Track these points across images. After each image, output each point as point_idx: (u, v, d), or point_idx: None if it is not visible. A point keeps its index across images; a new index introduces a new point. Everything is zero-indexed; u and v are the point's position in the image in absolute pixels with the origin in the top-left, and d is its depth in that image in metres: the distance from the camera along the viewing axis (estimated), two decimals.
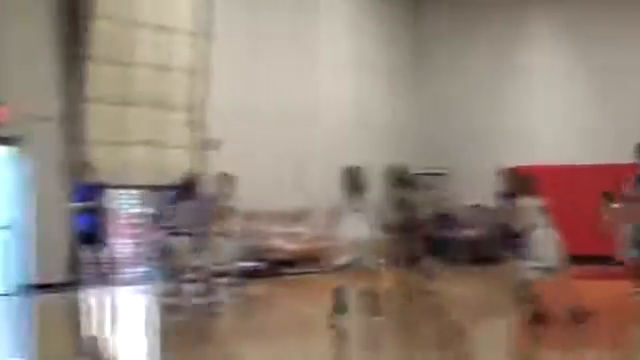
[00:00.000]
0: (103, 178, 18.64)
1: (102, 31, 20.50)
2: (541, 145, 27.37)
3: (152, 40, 21.68)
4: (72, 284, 18.74)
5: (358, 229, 13.97)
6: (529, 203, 13.48)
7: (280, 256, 23.24)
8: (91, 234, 18.52)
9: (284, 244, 23.73)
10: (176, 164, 21.34)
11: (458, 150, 28.11)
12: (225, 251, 17.54)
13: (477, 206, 27.47)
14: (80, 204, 18.37)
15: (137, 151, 20.97)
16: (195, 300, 16.65)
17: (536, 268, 13.10)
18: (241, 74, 23.70)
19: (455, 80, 28.84)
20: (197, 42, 22.63)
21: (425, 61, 29.48)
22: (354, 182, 14.41)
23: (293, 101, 25.21)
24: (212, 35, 22.58)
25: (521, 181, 14.61)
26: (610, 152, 25.14)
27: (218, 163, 22.09)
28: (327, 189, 15.95)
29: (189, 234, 16.89)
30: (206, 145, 22.75)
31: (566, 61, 27.82)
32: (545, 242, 13.18)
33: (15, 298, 18.63)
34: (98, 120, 20.64)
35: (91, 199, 18.35)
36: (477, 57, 28.63)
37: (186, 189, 17.34)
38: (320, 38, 26.58)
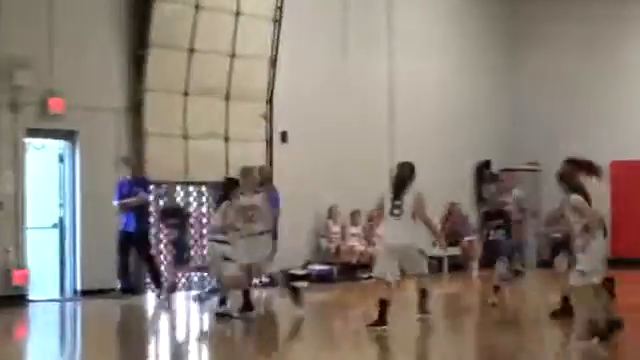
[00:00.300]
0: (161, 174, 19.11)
1: (164, 15, 20.08)
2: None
3: (220, 25, 21.22)
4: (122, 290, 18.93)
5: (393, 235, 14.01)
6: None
7: (354, 258, 22.96)
8: (133, 235, 18.68)
9: (358, 245, 23.43)
10: (244, 158, 20.63)
11: (552, 148, 26.36)
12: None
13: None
14: (124, 201, 18.57)
15: (199, 144, 20.71)
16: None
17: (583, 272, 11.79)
18: (312, 60, 23.38)
19: (551, 79, 28.17)
20: (268, 27, 22.11)
21: (520, 59, 29.02)
22: (399, 181, 14.29)
23: (365, 89, 24.64)
24: (282, 21, 22.03)
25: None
26: None
27: (284, 157, 22.35)
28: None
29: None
30: (275, 138, 22.65)
31: None
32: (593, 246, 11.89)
33: (70, 304, 18.72)
34: (157, 111, 20.48)
35: (135, 195, 18.55)
36: (572, 55, 27.83)
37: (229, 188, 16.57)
38: (399, 29, 25.61)
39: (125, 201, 18.72)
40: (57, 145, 19.42)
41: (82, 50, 19.32)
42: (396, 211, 14.17)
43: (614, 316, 12.08)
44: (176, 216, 19.71)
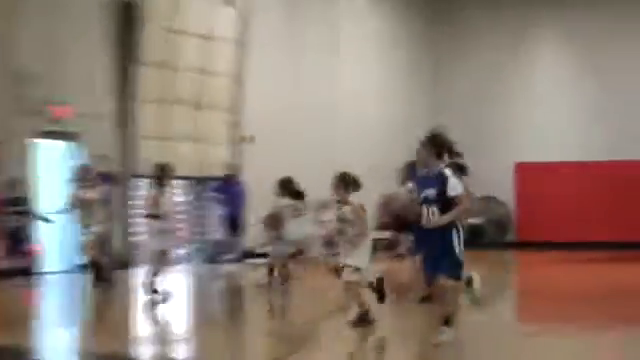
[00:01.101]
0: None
1: (149, 37, 21.12)
2: (541, 145, 28.25)
3: (194, 46, 22.25)
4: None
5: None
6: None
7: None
8: None
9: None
10: (216, 158, 22.18)
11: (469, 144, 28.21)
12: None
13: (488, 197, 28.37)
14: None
15: (182, 146, 21.34)
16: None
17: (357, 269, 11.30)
18: (272, 77, 24.14)
19: (473, 84, 29.10)
20: (235, 49, 23.15)
21: (443, 61, 29.74)
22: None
23: (313, 98, 25.41)
24: (247, 43, 23.08)
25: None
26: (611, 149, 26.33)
27: (252, 157, 23.11)
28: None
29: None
30: (242, 141, 23.41)
31: (566, 68, 28.48)
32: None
33: (71, 275, 18.97)
34: (147, 118, 21.35)
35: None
36: (484, 75, 29.05)
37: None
38: (342, 41, 26.76)
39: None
40: (61, 145, 20.13)
41: (82, 66, 20.01)
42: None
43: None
44: None
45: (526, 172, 28.44)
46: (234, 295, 16.77)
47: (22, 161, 19.25)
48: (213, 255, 22.53)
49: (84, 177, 16.89)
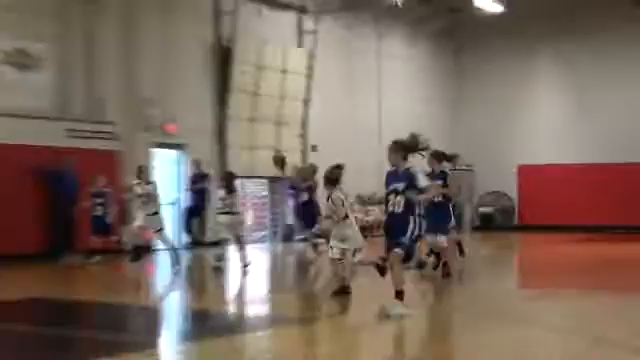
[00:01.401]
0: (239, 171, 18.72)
1: (239, 71, 21.23)
2: (538, 150, 27.93)
3: (272, 78, 22.30)
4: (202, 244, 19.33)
5: None
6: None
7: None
8: (195, 207, 19.33)
9: (364, 217, 23.61)
10: (289, 162, 21.77)
11: (480, 155, 28.02)
12: None
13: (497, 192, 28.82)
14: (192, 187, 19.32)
15: (264, 153, 20.85)
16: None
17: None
18: (331, 101, 24.20)
19: (486, 104, 28.83)
20: (304, 80, 23.23)
21: (464, 87, 29.45)
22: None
23: (364, 121, 25.60)
24: (313, 76, 23.26)
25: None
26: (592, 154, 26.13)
27: (315, 161, 22.82)
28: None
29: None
30: (308, 149, 23.57)
31: (560, 92, 28.05)
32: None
33: (181, 251, 18.19)
34: (238, 132, 21.48)
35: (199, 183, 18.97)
36: (495, 92, 28.58)
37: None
38: (384, 72, 26.63)
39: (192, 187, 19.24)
40: (172, 154, 20.40)
41: (189, 93, 20.19)
42: None
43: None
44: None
45: (525, 172, 28.46)
46: (302, 266, 16.61)
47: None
48: (287, 236, 22.62)
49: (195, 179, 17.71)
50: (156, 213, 15.05)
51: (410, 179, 9.06)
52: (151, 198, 14.99)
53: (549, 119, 28.17)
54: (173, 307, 11.67)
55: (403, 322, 8.99)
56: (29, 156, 16.36)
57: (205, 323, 9.83)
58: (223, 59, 21.14)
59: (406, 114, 26.77)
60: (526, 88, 28.43)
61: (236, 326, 9.70)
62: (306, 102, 23.38)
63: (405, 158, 9.24)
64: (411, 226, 9.11)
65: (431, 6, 25.45)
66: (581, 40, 26.65)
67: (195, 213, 19.59)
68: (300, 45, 23.77)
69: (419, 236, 9.42)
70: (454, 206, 13.72)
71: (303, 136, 23.55)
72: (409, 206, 9.08)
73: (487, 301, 11.17)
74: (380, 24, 26.02)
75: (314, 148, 23.49)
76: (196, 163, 19.60)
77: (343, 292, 10.78)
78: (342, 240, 10.78)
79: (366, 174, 22.65)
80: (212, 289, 13.92)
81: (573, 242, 22.07)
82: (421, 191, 9.16)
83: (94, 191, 16.70)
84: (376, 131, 25.68)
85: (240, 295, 12.82)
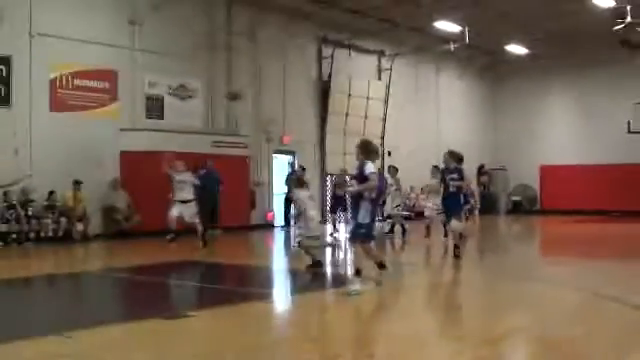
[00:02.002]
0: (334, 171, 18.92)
1: (335, 98, 20.95)
2: (554, 154, 26.80)
3: (359, 103, 21.86)
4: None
5: None
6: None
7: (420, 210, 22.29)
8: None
9: (424, 204, 23.09)
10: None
11: (513, 157, 27.47)
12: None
13: (524, 184, 27.46)
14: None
15: (352, 158, 20.52)
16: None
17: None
18: (402, 119, 23.55)
19: (515, 120, 27.73)
20: (382, 104, 22.69)
21: (498, 105, 28.39)
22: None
23: (426, 133, 24.84)
24: (389, 100, 22.72)
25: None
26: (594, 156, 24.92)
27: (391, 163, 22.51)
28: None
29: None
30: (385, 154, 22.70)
31: (571, 111, 26.78)
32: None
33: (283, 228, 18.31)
34: (333, 143, 21.10)
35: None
36: (524, 111, 27.63)
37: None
38: (441, 98, 25.91)
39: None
40: (286, 158, 20.01)
41: (299, 115, 19.95)
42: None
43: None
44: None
45: (545, 170, 27.18)
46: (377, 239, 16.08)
47: (267, 168, 19.28)
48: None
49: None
50: None
51: (361, 167, 7.80)
52: None
53: (563, 131, 26.80)
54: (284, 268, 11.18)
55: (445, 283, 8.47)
56: (188, 159, 15.99)
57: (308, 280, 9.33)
58: (323, 90, 20.99)
59: (457, 128, 26.19)
60: (545, 108, 27.23)
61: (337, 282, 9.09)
62: (383, 120, 22.76)
63: (364, 155, 7.84)
64: (362, 210, 7.63)
65: (475, 49, 24.48)
66: (586, 72, 25.56)
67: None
68: (379, 79, 23.05)
69: (373, 220, 7.84)
70: (465, 195, 12.02)
71: (382, 145, 22.62)
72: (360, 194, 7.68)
73: (514, 266, 10.72)
74: (438, 63, 25.36)
75: (389, 154, 22.77)
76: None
77: (315, 266, 9.43)
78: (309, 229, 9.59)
79: (426, 172, 21.59)
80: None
81: (581, 222, 21.30)
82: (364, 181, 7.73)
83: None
84: (435, 142, 25.01)
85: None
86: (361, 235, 7.78)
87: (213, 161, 15.81)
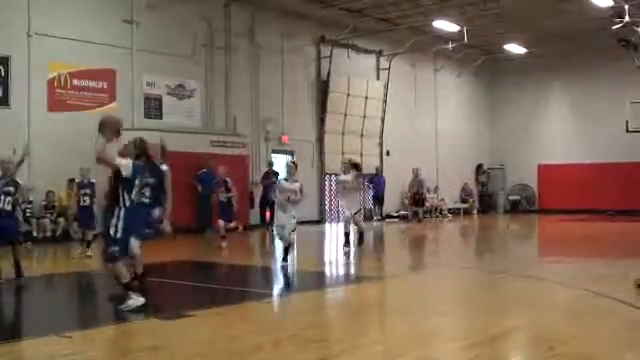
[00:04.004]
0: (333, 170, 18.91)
1: (333, 98, 20.86)
2: (552, 153, 26.77)
3: (357, 102, 21.75)
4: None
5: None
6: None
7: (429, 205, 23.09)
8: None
9: (432, 200, 23.48)
10: (369, 163, 21.48)
11: (511, 157, 27.53)
12: None
13: (523, 184, 27.42)
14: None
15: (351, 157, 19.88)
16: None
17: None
18: (400, 118, 23.52)
19: (514, 119, 27.72)
20: (380, 104, 22.61)
21: (496, 106, 28.33)
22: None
23: (424, 133, 24.70)
24: (387, 100, 22.67)
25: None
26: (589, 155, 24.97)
27: (389, 163, 22.72)
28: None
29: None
30: (384, 154, 22.94)
31: (568, 111, 26.75)
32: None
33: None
34: (332, 142, 21.08)
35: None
36: (521, 110, 27.51)
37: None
38: (440, 99, 25.77)
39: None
40: (285, 157, 19.29)
41: (297, 114, 19.98)
42: None
43: None
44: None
45: (543, 170, 27.13)
46: (379, 237, 16.16)
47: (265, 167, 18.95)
48: (368, 216, 21.81)
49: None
50: None
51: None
52: None
53: (560, 131, 26.78)
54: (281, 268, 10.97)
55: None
56: (187, 159, 15.93)
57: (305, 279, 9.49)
58: (322, 89, 20.90)
59: (456, 128, 26.21)
60: (543, 108, 27.24)
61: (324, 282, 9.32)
62: (382, 120, 22.75)
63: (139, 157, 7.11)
64: (113, 221, 6.32)
65: (473, 49, 24.49)
66: (584, 71, 25.56)
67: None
68: (378, 78, 23.03)
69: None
70: None
71: (380, 144, 22.92)
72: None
73: (512, 264, 10.76)
74: (436, 62, 25.33)
75: (388, 153, 22.97)
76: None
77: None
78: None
79: (424, 171, 22.61)
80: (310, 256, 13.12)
81: (577, 220, 21.29)
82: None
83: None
84: (433, 140, 25.27)
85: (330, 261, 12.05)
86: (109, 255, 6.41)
87: (214, 160, 15.75)
